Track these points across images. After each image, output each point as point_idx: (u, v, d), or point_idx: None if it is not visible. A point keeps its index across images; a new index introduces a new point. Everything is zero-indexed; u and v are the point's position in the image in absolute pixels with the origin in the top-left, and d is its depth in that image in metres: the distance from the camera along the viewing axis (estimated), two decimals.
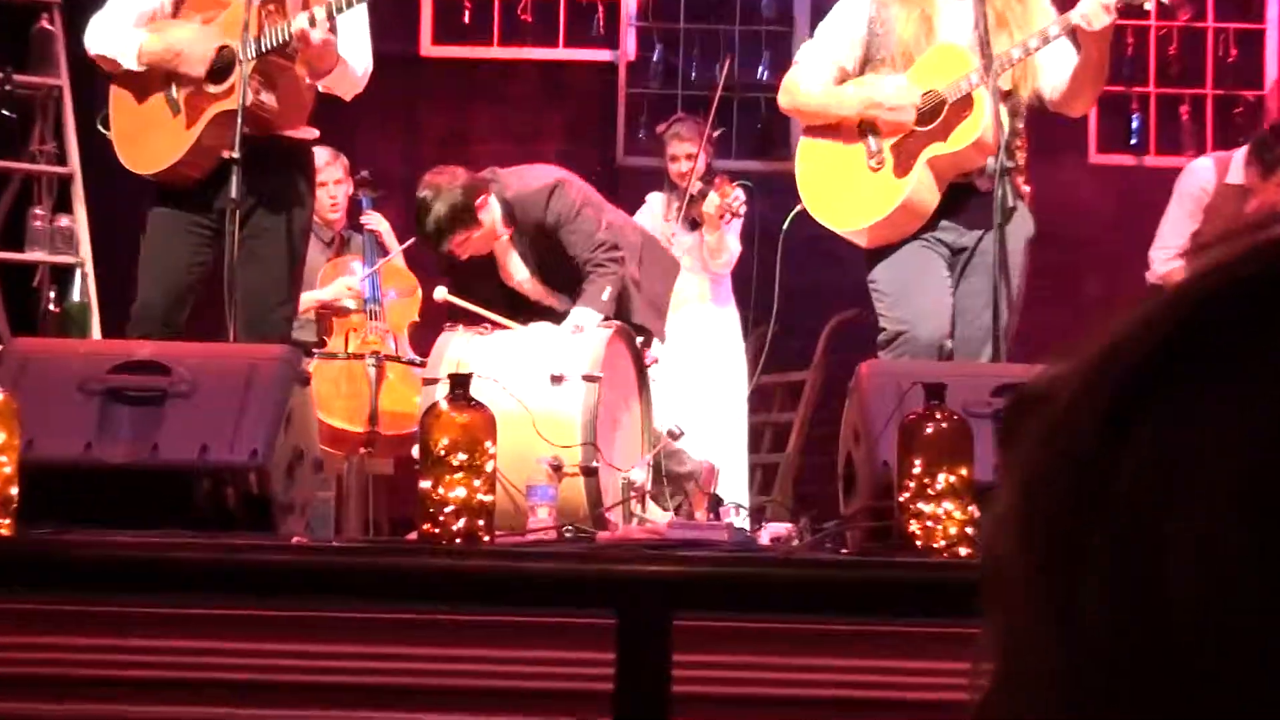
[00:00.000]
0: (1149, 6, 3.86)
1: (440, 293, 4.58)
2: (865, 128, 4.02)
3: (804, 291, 5.44)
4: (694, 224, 5.65)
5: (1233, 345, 0.47)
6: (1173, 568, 0.45)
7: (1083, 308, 6.35)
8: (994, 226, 3.79)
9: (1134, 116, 6.91)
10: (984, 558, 0.50)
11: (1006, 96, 3.90)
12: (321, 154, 5.06)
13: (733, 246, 5.56)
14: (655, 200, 5.73)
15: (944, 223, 3.97)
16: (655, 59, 7.07)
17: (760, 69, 6.89)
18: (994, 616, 0.49)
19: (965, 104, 3.89)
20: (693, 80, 7.02)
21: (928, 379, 2.88)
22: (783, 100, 4.19)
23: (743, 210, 5.47)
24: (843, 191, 4.05)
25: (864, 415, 3.11)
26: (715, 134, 5.69)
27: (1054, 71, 3.94)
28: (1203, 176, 5.06)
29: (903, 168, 3.96)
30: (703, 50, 7.04)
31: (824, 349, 6.03)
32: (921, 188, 3.95)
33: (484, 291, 4.59)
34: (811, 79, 4.09)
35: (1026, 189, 4.00)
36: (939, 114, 3.91)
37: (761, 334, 5.70)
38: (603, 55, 7.10)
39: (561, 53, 7.11)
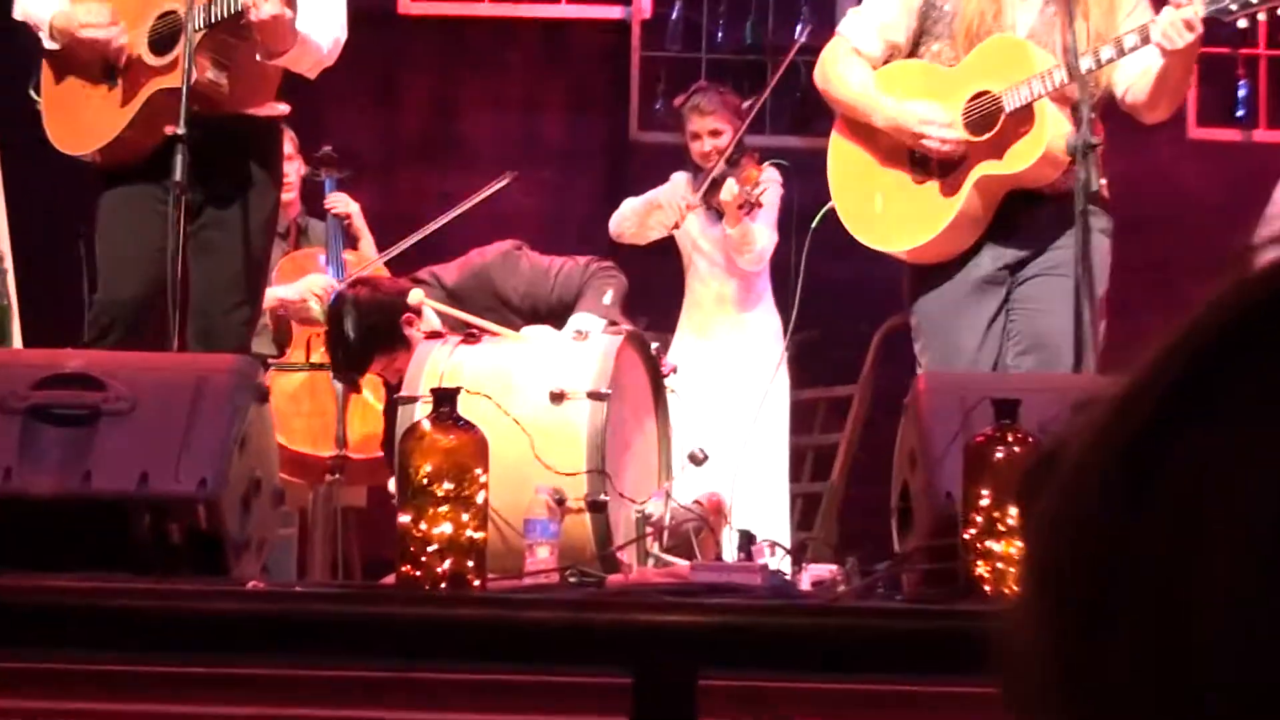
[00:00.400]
0: (1243, 24, 3.89)
1: (416, 296, 4.59)
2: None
3: (849, 290, 5.44)
4: (717, 212, 5.64)
5: (1241, 385, 0.50)
6: (1198, 629, 0.49)
7: (1182, 308, 6.33)
8: (1076, 212, 3.82)
9: (1241, 84, 6.89)
10: (1004, 620, 0.55)
11: (1075, 106, 3.95)
12: None
13: (761, 239, 5.55)
14: (680, 181, 5.73)
15: (992, 245, 4.04)
16: (674, 16, 7.08)
17: (799, 28, 6.90)
18: (1014, 685, 0.54)
19: (1025, 116, 3.93)
20: (718, 42, 7.03)
21: (998, 394, 2.88)
22: (817, 80, 4.25)
23: (771, 198, 5.46)
24: (879, 204, 4.12)
25: (922, 437, 3.11)
26: (747, 105, 5.69)
27: (1130, 69, 3.97)
28: None
29: (950, 185, 4.02)
30: (730, 6, 7.05)
31: (874, 359, 6.02)
32: (971, 208, 4.01)
33: (480, 301, 4.58)
34: (852, 67, 4.13)
35: (1102, 181, 4.03)
36: (994, 123, 3.96)
37: (801, 341, 5.68)
38: (613, 12, 7.12)
39: (565, 9, 7.12)
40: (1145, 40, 3.82)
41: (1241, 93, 6.91)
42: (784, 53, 6.75)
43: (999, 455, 2.76)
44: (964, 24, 3.99)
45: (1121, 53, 3.86)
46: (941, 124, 3.99)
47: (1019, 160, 3.94)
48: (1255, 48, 6.89)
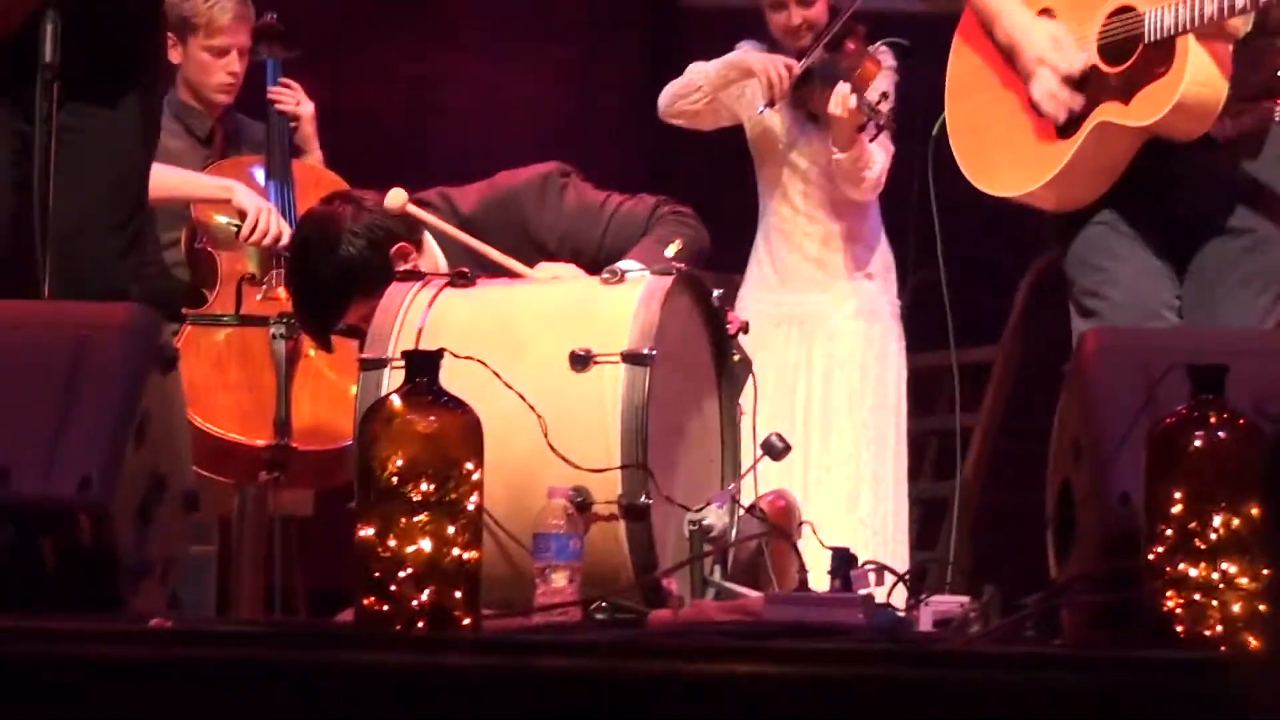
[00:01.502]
0: None
1: (397, 198, 4.54)
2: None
3: (986, 220, 5.40)
4: (812, 116, 5.62)
5: None
6: None
7: None
8: None
9: None
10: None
11: (1241, 43, 4.06)
12: None
13: (878, 160, 5.54)
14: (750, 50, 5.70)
15: (1132, 199, 4.18)
16: None
17: None
18: None
19: (1164, 53, 4.04)
20: None
21: (1196, 356, 2.87)
22: None
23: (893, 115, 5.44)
24: (992, 131, 4.29)
25: (1090, 418, 3.11)
26: None
27: None
28: None
29: (1068, 125, 4.18)
30: None
31: (1021, 310, 6.02)
32: (1087, 157, 4.15)
33: (503, 240, 4.55)
34: None
35: None
36: (1131, 53, 4.10)
37: (916, 285, 5.67)
38: None
39: None
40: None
41: None
42: None
43: (1198, 444, 2.75)
44: None
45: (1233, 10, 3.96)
46: (1061, 75, 4.15)
47: (1147, 109, 4.06)
48: None
